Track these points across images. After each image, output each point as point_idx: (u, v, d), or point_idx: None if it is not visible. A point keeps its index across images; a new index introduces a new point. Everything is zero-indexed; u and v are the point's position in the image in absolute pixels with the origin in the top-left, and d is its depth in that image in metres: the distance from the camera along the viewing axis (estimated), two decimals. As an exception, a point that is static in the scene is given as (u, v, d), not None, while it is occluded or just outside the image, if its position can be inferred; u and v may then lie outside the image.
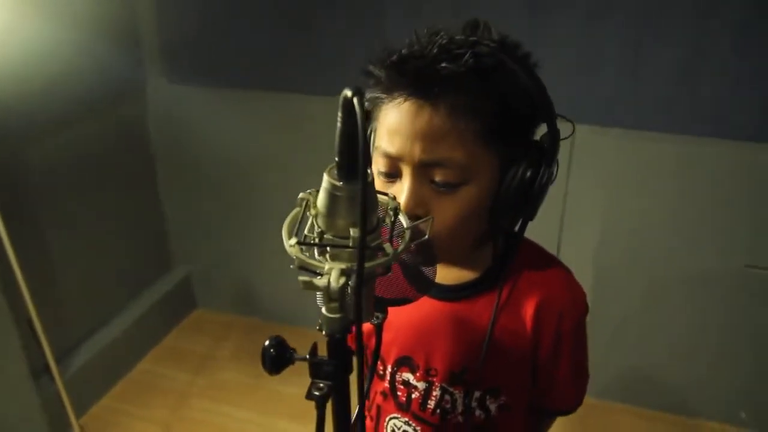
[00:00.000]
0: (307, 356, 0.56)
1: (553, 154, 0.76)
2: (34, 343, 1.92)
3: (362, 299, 0.51)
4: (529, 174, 0.75)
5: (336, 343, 0.55)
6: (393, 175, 0.75)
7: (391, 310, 0.91)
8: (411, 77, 0.71)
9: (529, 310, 0.86)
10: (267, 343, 0.58)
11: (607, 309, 2.19)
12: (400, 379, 0.93)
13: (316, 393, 0.55)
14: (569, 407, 0.98)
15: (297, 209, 0.59)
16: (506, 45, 0.75)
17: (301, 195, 0.59)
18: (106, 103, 2.28)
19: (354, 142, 0.53)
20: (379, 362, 0.95)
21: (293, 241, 0.56)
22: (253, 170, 2.46)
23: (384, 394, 0.96)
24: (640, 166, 1.96)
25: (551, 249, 2.10)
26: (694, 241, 1.99)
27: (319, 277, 0.53)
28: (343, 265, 0.53)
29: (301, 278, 0.53)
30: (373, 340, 0.93)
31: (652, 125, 1.86)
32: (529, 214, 0.79)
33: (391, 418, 0.96)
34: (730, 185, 1.89)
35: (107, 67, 2.22)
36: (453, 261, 0.87)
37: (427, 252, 0.65)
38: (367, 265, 0.55)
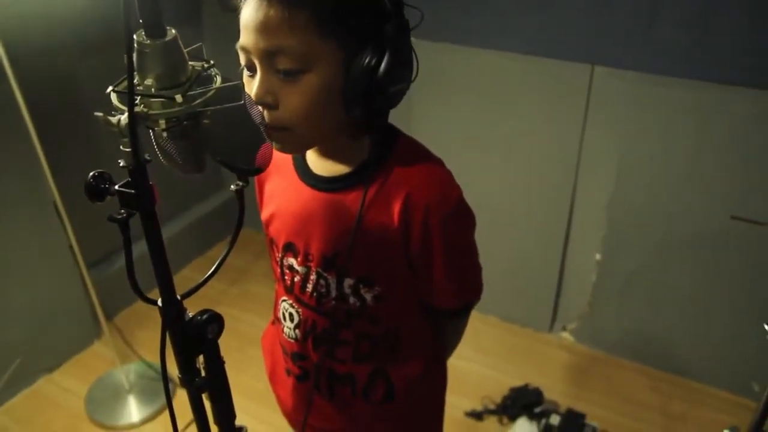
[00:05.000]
0: (117, 187, 0.66)
1: (397, 43, 0.78)
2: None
3: (136, 132, 0.60)
4: (373, 62, 0.78)
5: (131, 173, 0.64)
6: (251, 68, 0.82)
7: (281, 199, 1.01)
8: None
9: (396, 204, 0.89)
10: (90, 174, 0.68)
11: (620, 261, 2.16)
12: (287, 263, 1.00)
13: (117, 217, 0.66)
14: (451, 306, 1.02)
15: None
16: None
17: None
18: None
19: (150, 5, 0.62)
20: (275, 249, 1.03)
21: (110, 89, 0.66)
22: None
23: (278, 278, 1.05)
24: (657, 112, 1.89)
25: (566, 194, 2.12)
26: (711, 194, 1.91)
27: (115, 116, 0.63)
28: (137, 110, 0.63)
29: (96, 113, 0.63)
30: (272, 227, 1.03)
31: (670, 70, 1.79)
32: (382, 104, 0.81)
33: (282, 301, 1.05)
34: (749, 134, 1.79)
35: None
36: (328, 153, 0.93)
37: (242, 120, 0.72)
38: (160, 111, 0.64)
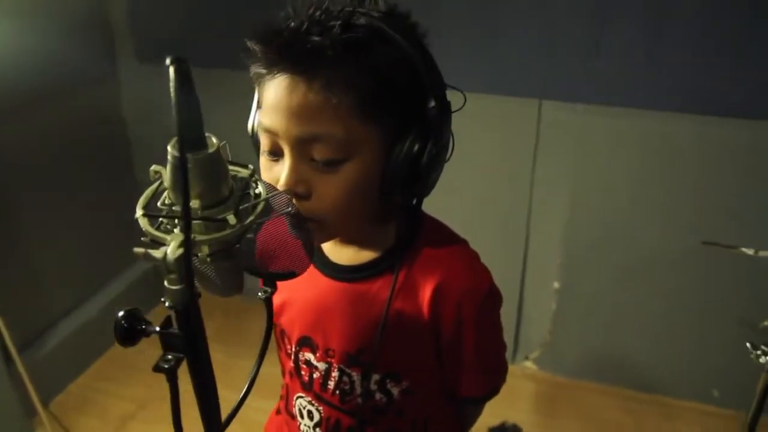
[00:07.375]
0: (158, 328, 0.56)
1: (441, 128, 0.74)
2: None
3: (192, 269, 0.51)
4: (416, 148, 0.72)
5: (180, 315, 0.54)
6: (276, 153, 0.74)
7: (292, 289, 0.91)
8: (283, 52, 0.69)
9: (426, 294, 0.83)
10: (120, 314, 0.57)
11: (578, 288, 2.19)
12: (303, 358, 0.92)
13: (164, 366, 0.56)
14: (478, 395, 0.96)
15: (154, 184, 0.59)
16: (393, 15, 0.73)
17: (153, 167, 0.58)
18: (78, 85, 2.28)
19: (191, 111, 0.52)
20: (287, 341, 0.94)
21: (140, 212, 0.55)
22: (231, 150, 2.46)
23: (291, 373, 0.96)
24: (607, 142, 1.94)
25: (520, 227, 2.12)
26: (662, 218, 1.97)
27: (158, 248, 0.53)
28: (182, 237, 0.53)
29: (136, 250, 0.52)
30: (283, 318, 0.94)
31: (617, 100, 1.84)
32: (421, 190, 0.77)
33: (297, 397, 0.96)
34: (695, 160, 1.87)
35: (77, 50, 2.22)
36: (350, 240, 0.86)
37: (297, 225, 0.64)
38: (210, 237, 0.55)
